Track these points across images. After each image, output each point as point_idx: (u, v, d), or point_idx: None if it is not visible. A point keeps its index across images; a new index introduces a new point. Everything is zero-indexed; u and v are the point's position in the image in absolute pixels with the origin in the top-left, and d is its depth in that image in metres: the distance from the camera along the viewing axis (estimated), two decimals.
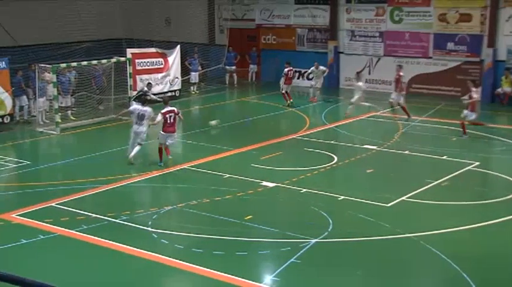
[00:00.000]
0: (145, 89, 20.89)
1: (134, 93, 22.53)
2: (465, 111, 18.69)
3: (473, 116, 18.58)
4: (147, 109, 15.70)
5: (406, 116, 21.01)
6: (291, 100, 23.93)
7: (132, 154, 15.59)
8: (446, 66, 25.57)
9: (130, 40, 29.20)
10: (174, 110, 15.59)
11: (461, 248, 10.67)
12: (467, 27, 24.86)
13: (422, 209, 12.68)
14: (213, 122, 19.31)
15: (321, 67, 25.29)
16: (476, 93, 18.71)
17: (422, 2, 25.71)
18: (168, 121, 15.39)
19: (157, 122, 15.54)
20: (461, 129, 18.78)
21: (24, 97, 21.06)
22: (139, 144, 15.67)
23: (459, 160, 16.03)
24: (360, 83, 21.79)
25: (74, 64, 21.29)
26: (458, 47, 25.18)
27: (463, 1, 24.81)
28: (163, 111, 15.46)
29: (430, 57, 25.87)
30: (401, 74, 21.59)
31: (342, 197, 13.17)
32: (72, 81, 21.80)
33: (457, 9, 24.96)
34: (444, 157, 16.40)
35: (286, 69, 24.25)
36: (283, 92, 24.25)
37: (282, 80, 24.24)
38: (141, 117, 15.58)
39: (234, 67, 28.72)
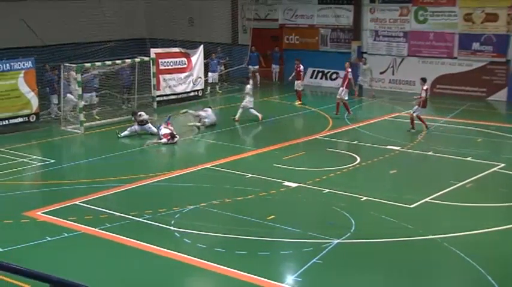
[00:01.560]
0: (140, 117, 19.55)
1: (158, 92, 22.66)
2: (415, 107, 19.36)
3: (421, 111, 19.32)
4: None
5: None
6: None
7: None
8: (472, 67, 25.28)
9: (154, 40, 29.37)
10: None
11: (486, 251, 10.54)
12: (493, 27, 24.55)
13: (446, 211, 12.56)
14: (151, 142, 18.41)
15: (368, 64, 25.95)
16: (424, 92, 19.35)
17: (447, 2, 25.45)
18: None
19: (161, 142, 18.07)
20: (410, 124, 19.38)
21: (56, 95, 21.34)
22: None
23: (484, 161, 15.83)
24: (249, 86, 21.82)
25: (98, 64, 21.49)
26: (483, 47, 24.89)
27: (489, 1, 24.52)
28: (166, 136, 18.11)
29: (455, 58, 25.60)
30: (349, 70, 21.96)
31: (365, 197, 13.10)
32: (96, 81, 22.07)
33: (483, 9, 24.67)
34: (469, 158, 16.22)
35: (302, 67, 24.19)
36: (301, 89, 24.22)
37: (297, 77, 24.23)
38: None
39: (257, 67, 28.67)
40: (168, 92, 24.03)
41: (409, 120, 19.51)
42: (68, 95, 20.96)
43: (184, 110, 21.39)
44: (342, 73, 28.15)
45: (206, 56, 26.92)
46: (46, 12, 27.51)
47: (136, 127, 19.05)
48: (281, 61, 29.64)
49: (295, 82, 24.29)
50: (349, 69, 22.10)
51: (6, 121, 19.50)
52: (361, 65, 25.95)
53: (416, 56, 26.49)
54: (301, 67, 24.35)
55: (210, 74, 26.83)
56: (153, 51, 23.50)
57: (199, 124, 19.99)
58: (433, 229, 11.32)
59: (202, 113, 20.37)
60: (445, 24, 25.67)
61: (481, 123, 20.20)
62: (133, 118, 19.44)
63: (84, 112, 20.04)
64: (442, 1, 25.59)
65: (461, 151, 16.92)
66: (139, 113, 19.48)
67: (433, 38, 26.02)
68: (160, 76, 23.42)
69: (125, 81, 23.09)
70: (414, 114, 19.23)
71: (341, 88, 21.75)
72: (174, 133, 18.22)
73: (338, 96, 21.78)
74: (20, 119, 19.84)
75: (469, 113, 22.11)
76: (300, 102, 24.13)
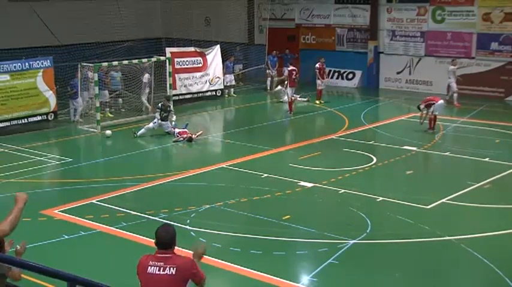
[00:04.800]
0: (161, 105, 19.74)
1: (174, 92, 22.69)
2: (433, 107, 18.94)
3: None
4: None
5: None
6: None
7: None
8: (490, 67, 25.05)
9: (170, 39, 29.46)
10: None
11: (503, 252, 10.44)
12: None
13: (464, 212, 12.47)
14: (108, 132, 19.07)
15: (457, 65, 23.71)
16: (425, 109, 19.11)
17: (466, 1, 25.22)
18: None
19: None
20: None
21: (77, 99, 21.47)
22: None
23: (502, 162, 15.67)
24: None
25: (116, 63, 21.62)
26: (502, 47, 24.64)
27: (508, 0, 24.28)
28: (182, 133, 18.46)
29: (473, 58, 25.38)
30: (289, 69, 22.93)
31: (381, 198, 13.04)
32: (118, 80, 22.23)
33: (502, 9, 24.43)
34: (486, 159, 16.08)
35: (317, 65, 24.23)
36: (322, 88, 24.25)
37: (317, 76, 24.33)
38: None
39: (275, 72, 28.15)
40: (183, 91, 24.04)
41: (426, 121, 19.35)
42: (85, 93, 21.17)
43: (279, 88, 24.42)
44: (358, 73, 28.29)
45: (225, 55, 26.76)
46: (63, 12, 27.74)
47: (152, 125, 19.06)
48: (295, 62, 29.38)
49: (317, 81, 24.28)
50: (290, 68, 22.96)
51: (25, 120, 19.72)
52: (450, 67, 23.72)
53: (434, 56, 26.30)
54: (323, 66, 24.42)
55: (227, 76, 26.38)
56: (169, 51, 23.54)
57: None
58: (450, 230, 11.24)
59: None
60: (463, 24, 25.45)
61: (499, 124, 20.00)
62: (162, 102, 19.41)
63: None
64: (460, 0, 25.37)
65: (479, 151, 16.77)
66: (169, 104, 19.64)
67: (450, 38, 25.81)
68: (175, 75, 23.44)
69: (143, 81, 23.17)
70: (433, 114, 19.01)
71: (288, 89, 22.48)
72: (192, 136, 18.30)
73: (292, 97, 22.38)
74: (39, 118, 20.03)
75: (487, 114, 21.91)
76: (317, 102, 24.12)
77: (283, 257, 10.26)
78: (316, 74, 24.28)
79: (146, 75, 22.33)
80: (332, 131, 19.50)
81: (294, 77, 22.56)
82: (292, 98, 22.38)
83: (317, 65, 24.24)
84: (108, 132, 19.07)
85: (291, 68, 23.11)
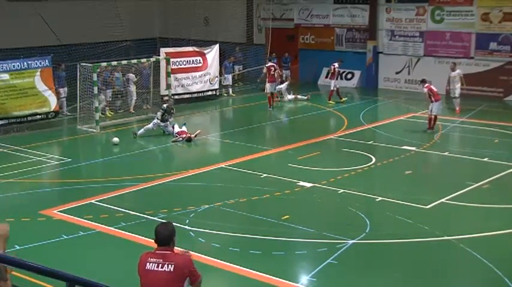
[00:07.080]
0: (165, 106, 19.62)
1: (172, 91, 22.68)
2: (431, 107, 19.07)
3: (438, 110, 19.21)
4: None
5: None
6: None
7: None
8: (489, 67, 25.07)
9: (168, 40, 29.44)
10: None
11: (503, 252, 10.45)
12: (511, 27, 24.35)
13: (463, 212, 12.48)
14: (115, 139, 18.08)
15: (458, 70, 22.15)
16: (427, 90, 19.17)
17: (465, 1, 25.24)
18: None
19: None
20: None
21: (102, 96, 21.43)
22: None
23: (501, 162, 15.68)
24: None
25: (115, 63, 21.62)
26: (501, 47, 24.66)
27: (507, 0, 24.29)
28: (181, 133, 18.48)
29: (472, 58, 25.39)
30: (268, 65, 23.83)
31: (380, 198, 13.05)
32: (121, 81, 22.26)
33: (501, 9, 24.45)
34: (485, 159, 16.09)
35: (336, 64, 24.29)
36: (336, 89, 24.22)
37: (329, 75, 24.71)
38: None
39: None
40: (180, 91, 23.93)
41: (425, 121, 19.37)
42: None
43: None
44: (357, 73, 28.31)
45: (224, 55, 26.74)
46: (62, 12, 27.72)
47: (152, 126, 19.02)
48: (294, 62, 29.34)
49: (331, 82, 24.35)
50: (269, 64, 23.93)
51: (25, 119, 19.75)
52: (450, 72, 22.35)
53: (433, 56, 26.32)
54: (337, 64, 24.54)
55: (226, 75, 26.37)
56: (163, 51, 23.44)
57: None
58: (449, 230, 11.25)
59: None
60: (462, 24, 25.46)
61: (498, 124, 20.02)
62: (167, 104, 19.33)
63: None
64: (459, 0, 25.39)
65: (478, 151, 16.78)
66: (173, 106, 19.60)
67: (449, 38, 25.83)
68: (171, 75, 23.23)
69: (145, 81, 23.16)
70: (432, 114, 19.01)
71: (267, 84, 23.10)
72: (191, 136, 18.28)
73: (267, 91, 23.21)
74: (38, 117, 20.05)
75: (485, 114, 21.92)
76: (330, 101, 24.15)
77: (282, 257, 10.26)
78: (334, 73, 24.22)
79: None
80: (331, 131, 19.51)
81: (272, 72, 23.08)
82: (269, 93, 22.94)
83: (336, 64, 24.17)
84: (116, 139, 18.05)
85: (269, 64, 23.62)
